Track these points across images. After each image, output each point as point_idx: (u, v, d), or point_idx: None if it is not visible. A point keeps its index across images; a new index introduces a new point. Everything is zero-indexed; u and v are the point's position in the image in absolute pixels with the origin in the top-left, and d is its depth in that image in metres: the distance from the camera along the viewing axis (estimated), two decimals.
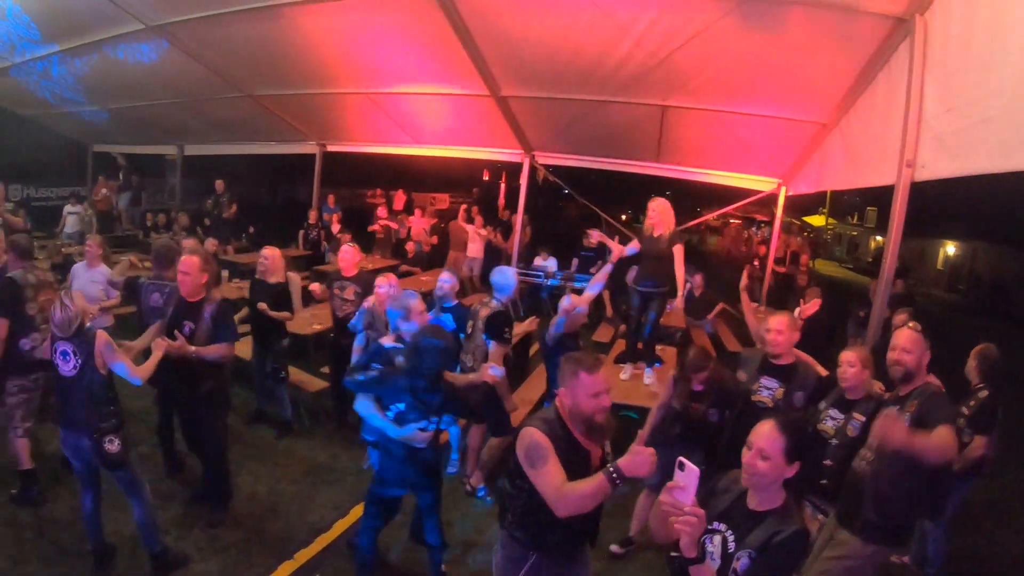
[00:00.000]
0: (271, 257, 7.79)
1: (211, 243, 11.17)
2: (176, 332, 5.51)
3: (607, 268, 7.26)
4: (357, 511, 6.45)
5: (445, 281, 6.98)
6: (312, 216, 16.23)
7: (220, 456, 6.30)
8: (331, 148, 15.70)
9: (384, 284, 6.96)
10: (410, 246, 16.79)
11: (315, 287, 8.36)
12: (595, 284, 7.12)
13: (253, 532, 6.14)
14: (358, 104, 12.01)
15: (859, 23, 6.72)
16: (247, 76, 12.23)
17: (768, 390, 5.39)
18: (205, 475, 6.39)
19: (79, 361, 4.87)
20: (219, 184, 17.23)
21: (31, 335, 6.03)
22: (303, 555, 5.85)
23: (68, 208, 17.24)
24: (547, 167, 12.85)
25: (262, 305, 7.59)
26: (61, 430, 5.13)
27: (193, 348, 5.58)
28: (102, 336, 4.90)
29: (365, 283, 7.62)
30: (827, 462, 4.81)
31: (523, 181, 12.80)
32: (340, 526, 6.28)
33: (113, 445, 4.96)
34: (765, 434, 3.05)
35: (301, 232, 16.20)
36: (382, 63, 10.15)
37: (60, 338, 4.91)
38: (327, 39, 9.75)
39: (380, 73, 10.58)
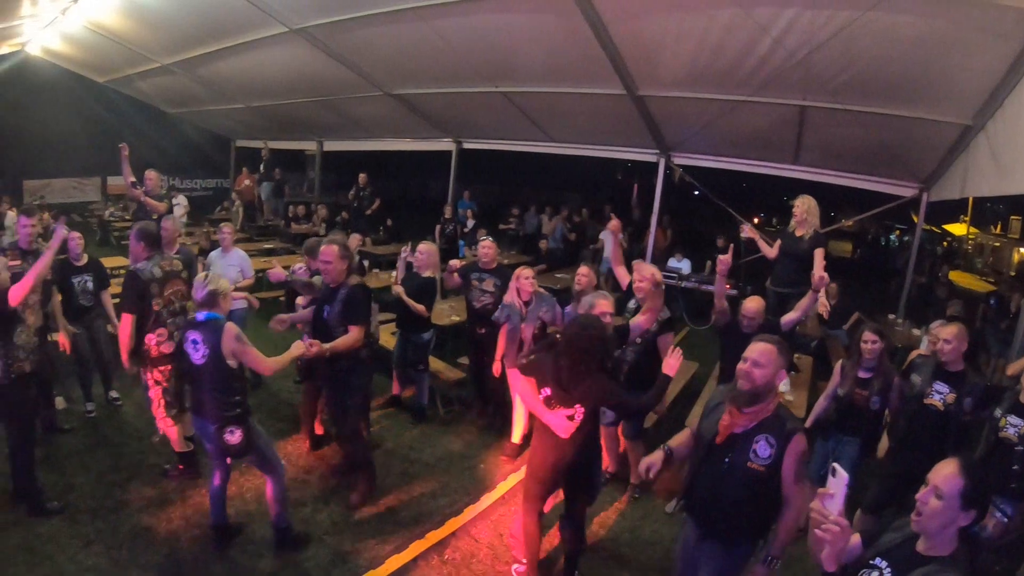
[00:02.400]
0: (426, 252, 8.03)
1: (355, 239, 11.41)
2: (310, 340, 5.72)
3: (811, 297, 6.55)
4: (488, 497, 6.70)
5: (583, 276, 7.06)
6: (447, 211, 16.39)
7: (355, 435, 6.51)
8: (467, 145, 15.89)
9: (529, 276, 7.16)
10: (543, 243, 16.88)
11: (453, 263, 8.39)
12: (799, 310, 6.50)
13: (386, 510, 6.41)
14: (494, 102, 12.10)
15: (1006, 17, 6.32)
16: (386, 75, 12.61)
17: (939, 394, 5.58)
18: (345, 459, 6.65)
19: (207, 351, 5.06)
20: (362, 178, 17.72)
21: (157, 330, 6.27)
22: (434, 536, 6.05)
23: (173, 200, 18.00)
24: (681, 167, 12.73)
25: (398, 288, 7.88)
26: (192, 415, 5.47)
27: (327, 347, 5.75)
28: (231, 329, 5.09)
29: (504, 276, 7.77)
30: (1015, 467, 5.03)
31: (658, 181, 12.67)
32: (470, 511, 6.44)
33: (233, 436, 5.20)
34: (945, 474, 2.83)
35: (437, 227, 16.38)
36: (519, 62, 10.25)
37: (190, 327, 5.16)
38: (465, 39, 9.91)
39: (517, 71, 10.68)
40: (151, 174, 10.55)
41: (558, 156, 14.60)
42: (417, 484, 6.93)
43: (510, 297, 7.28)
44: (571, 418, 4.71)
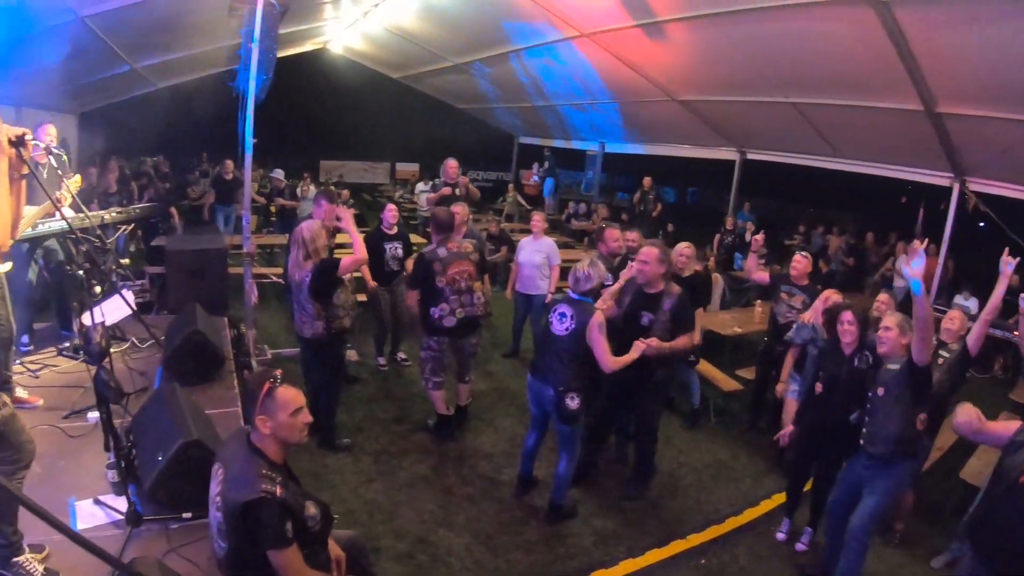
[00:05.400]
0: (687, 255, 7.94)
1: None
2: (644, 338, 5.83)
3: None
4: (751, 512, 6.72)
5: (883, 303, 6.80)
6: (728, 222, 16.19)
7: (655, 436, 6.75)
8: (751, 156, 15.36)
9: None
10: (823, 265, 16.47)
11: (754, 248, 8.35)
12: None
13: (650, 505, 6.64)
14: (782, 113, 11.75)
15: None
16: (673, 81, 12.67)
17: None
18: (636, 455, 6.90)
19: (572, 325, 5.66)
20: (647, 181, 17.87)
21: (440, 304, 6.94)
22: (694, 539, 6.18)
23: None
24: (975, 193, 11.79)
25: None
26: (530, 376, 6.06)
27: (668, 346, 5.97)
28: (599, 316, 5.64)
29: (813, 295, 7.60)
30: None
31: (951, 208, 11.82)
32: (732, 523, 6.52)
33: (574, 402, 5.72)
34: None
35: (717, 236, 16.25)
36: (811, 72, 9.96)
37: (564, 302, 5.82)
38: (758, 47, 9.83)
39: (808, 82, 10.35)
40: (452, 163, 11.30)
41: (837, 172, 13.91)
42: (683, 486, 7.12)
43: (811, 318, 6.71)
44: None
